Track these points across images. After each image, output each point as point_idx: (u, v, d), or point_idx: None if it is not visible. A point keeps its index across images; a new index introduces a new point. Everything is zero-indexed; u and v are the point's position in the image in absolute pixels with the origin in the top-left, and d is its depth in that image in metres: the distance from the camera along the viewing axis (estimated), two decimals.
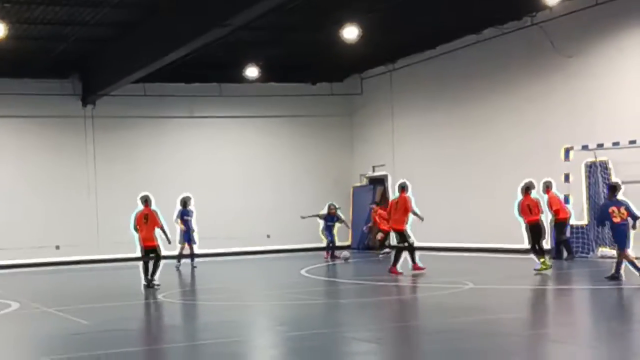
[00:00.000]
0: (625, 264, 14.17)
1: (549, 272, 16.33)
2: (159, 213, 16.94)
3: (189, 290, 15.97)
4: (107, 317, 12.27)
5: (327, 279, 17.39)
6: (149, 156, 27.75)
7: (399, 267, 17.09)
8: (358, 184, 29.72)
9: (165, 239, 16.66)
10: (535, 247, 16.75)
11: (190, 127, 28.15)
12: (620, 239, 14.33)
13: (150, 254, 16.34)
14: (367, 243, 28.44)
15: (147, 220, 16.54)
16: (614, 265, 14.36)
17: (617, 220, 14.16)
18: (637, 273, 13.88)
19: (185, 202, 21.64)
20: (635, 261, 14.09)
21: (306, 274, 18.41)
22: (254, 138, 28.85)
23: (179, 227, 21.41)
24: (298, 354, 8.70)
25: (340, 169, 29.58)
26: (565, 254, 18.81)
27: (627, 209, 14.31)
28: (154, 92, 27.11)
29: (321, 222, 23.94)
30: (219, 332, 10.29)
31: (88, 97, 26.25)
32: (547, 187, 19.09)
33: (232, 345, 9.27)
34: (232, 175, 28.29)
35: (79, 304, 13.99)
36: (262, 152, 28.82)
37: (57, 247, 26.50)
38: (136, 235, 16.70)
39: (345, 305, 12.93)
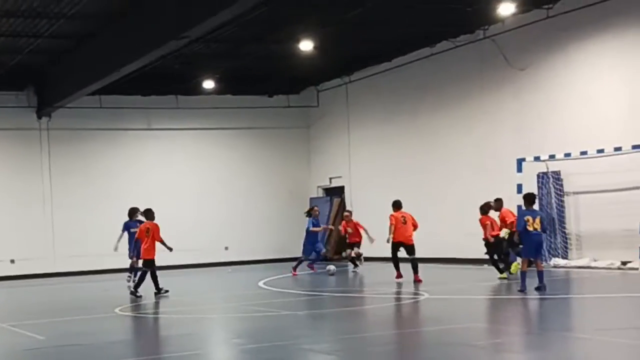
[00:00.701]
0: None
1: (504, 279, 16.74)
2: (159, 227, 17.27)
3: (146, 304, 15.92)
4: (63, 331, 12.22)
5: (284, 290, 17.46)
6: (105, 168, 27.63)
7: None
8: (315, 196, 29.87)
9: (167, 249, 17.32)
10: (496, 259, 17.27)
11: (147, 139, 28.10)
12: (533, 248, 14.54)
13: (145, 265, 16.91)
14: (325, 255, 28.56)
15: (149, 234, 16.95)
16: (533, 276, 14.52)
17: (530, 228, 14.35)
18: (519, 287, 14.36)
19: (131, 214, 20.40)
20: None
21: (264, 286, 18.48)
22: (211, 150, 28.89)
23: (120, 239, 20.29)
24: None
25: (297, 180, 29.73)
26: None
27: (541, 220, 14.62)
28: (110, 104, 27.04)
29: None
30: (177, 346, 10.32)
31: (43, 109, 26.10)
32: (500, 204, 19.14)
33: (190, 358, 9.32)
34: (189, 187, 28.28)
35: (35, 319, 13.90)
36: (220, 164, 28.86)
37: (12, 261, 26.24)
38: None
39: (303, 317, 13.03)
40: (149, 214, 17.34)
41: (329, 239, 28.81)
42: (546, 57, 20.73)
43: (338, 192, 28.87)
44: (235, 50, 23.04)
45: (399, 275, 17.71)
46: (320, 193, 29.90)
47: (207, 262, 26.85)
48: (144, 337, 11.35)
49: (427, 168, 24.35)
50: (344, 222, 22.95)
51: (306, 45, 22.04)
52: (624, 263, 18.29)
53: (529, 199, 14.92)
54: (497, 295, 15.69)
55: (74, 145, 27.32)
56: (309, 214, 22.48)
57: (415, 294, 15.19)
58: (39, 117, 26.62)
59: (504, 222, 17.71)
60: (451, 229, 21.95)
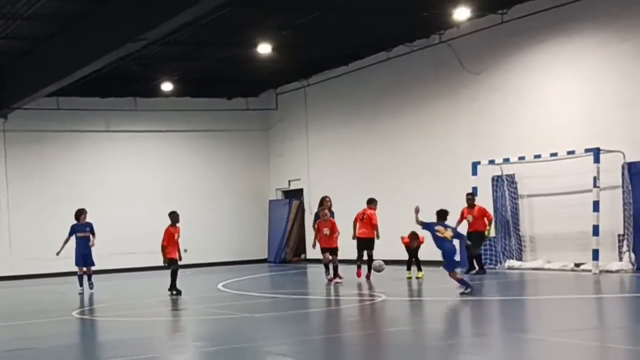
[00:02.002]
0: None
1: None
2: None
3: (104, 307, 15.89)
4: (18, 335, 12.16)
5: (243, 293, 17.53)
6: (64, 171, 27.47)
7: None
8: (274, 198, 29.96)
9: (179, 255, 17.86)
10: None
11: (106, 141, 27.98)
12: (447, 258, 14.94)
13: (172, 264, 17.45)
14: (284, 257, 28.71)
15: (177, 238, 17.69)
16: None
17: (441, 235, 14.72)
18: (463, 288, 14.64)
19: (78, 216, 19.26)
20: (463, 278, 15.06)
21: (223, 288, 18.53)
22: (170, 152, 28.85)
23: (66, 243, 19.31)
24: None
25: (256, 183, 29.80)
26: (476, 267, 19.28)
27: (453, 231, 15.10)
28: (68, 106, 26.90)
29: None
30: (135, 349, 10.34)
31: (0, 110, 25.84)
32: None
33: None
34: (148, 190, 28.21)
35: None
36: (179, 166, 28.83)
37: None
38: (158, 249, 17.60)
39: (262, 319, 13.11)
40: (174, 216, 17.73)
41: (288, 241, 28.93)
42: (501, 62, 21.06)
43: (297, 194, 29.00)
44: (193, 52, 23.07)
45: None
46: (280, 195, 30.00)
47: (165, 266, 26.70)
48: (100, 340, 11.35)
49: (385, 171, 24.58)
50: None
51: (264, 48, 22.16)
52: (577, 265, 18.64)
53: (442, 214, 15.25)
54: (452, 297, 15.92)
55: (31, 147, 27.10)
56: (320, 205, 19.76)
57: (373, 295, 15.35)
58: None
59: (486, 218, 18.84)
60: (408, 230, 22.17)
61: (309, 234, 28.16)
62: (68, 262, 26.33)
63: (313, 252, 27.74)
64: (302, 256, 28.83)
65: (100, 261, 26.66)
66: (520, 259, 20.17)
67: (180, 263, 17.79)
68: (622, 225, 18.12)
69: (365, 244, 18.77)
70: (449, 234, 14.77)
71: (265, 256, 29.21)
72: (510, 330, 11.08)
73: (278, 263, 28.25)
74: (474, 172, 20.72)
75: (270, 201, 29.90)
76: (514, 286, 16.80)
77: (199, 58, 23.62)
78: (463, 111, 22.14)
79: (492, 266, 20.43)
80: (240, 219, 29.29)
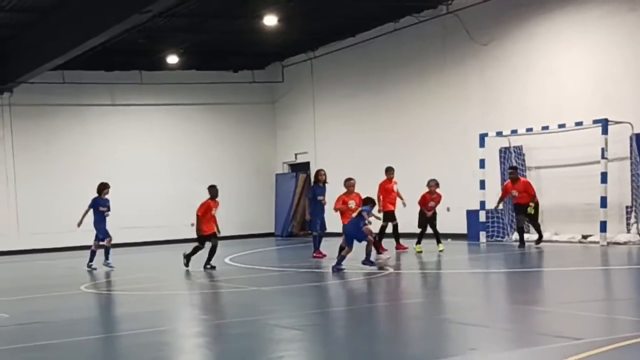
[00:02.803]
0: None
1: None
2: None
3: (113, 281, 15.95)
4: (28, 309, 12.22)
5: (251, 266, 17.57)
6: (70, 145, 27.48)
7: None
8: (281, 172, 29.94)
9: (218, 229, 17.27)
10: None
11: (111, 115, 27.97)
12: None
13: (207, 240, 16.93)
14: (291, 230, 28.74)
15: (215, 212, 17.06)
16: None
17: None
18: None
19: (100, 190, 18.89)
20: None
21: (230, 262, 18.57)
22: (176, 126, 28.83)
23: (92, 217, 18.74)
24: (222, 342, 8.89)
25: (262, 156, 29.79)
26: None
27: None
28: (73, 80, 26.84)
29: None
30: (144, 322, 10.38)
31: (5, 84, 25.78)
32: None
33: (157, 335, 9.39)
34: (155, 163, 28.23)
35: None
36: (185, 140, 28.82)
37: None
38: (194, 220, 17.10)
39: (269, 293, 13.14)
40: (213, 190, 17.15)
41: (295, 214, 28.94)
42: (509, 32, 20.91)
43: (303, 168, 28.98)
44: (199, 24, 22.95)
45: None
46: (286, 169, 29.98)
47: (174, 239, 26.81)
48: (111, 314, 11.40)
49: (392, 143, 24.51)
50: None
51: (270, 20, 22.03)
52: (584, 236, 18.62)
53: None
54: (461, 269, 15.94)
55: (37, 121, 27.10)
56: (316, 178, 19.02)
57: (381, 269, 15.36)
58: (1, 93, 26.33)
59: (529, 193, 18.36)
60: (415, 203, 22.13)
61: None
62: (74, 236, 26.49)
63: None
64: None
65: None
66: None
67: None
68: (630, 196, 18.08)
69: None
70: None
71: (272, 230, 29.25)
72: (519, 302, 11.09)
73: (285, 237, 28.29)
74: (482, 144, 20.65)
75: (277, 175, 29.89)
76: (521, 258, 16.78)
77: (205, 30, 23.51)
78: (470, 82, 22.03)
79: (499, 239, 20.42)
80: (247, 193, 29.30)
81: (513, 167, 19.15)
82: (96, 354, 8.58)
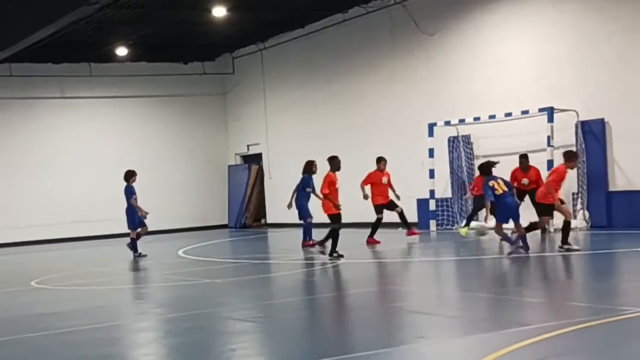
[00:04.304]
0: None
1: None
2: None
3: (64, 276, 15.85)
4: None
5: (204, 258, 17.59)
6: (20, 139, 27.16)
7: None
8: (233, 163, 29.94)
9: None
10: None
11: (61, 108, 27.70)
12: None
13: (337, 222, 15.30)
14: (244, 222, 28.77)
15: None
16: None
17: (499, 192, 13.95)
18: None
19: (128, 177, 18.54)
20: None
21: (183, 255, 18.57)
22: (127, 118, 28.64)
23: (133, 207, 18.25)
24: (174, 335, 8.94)
25: (214, 148, 29.75)
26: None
27: (505, 182, 14.25)
28: (21, 72, 26.50)
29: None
30: (95, 317, 10.37)
31: None
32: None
33: (109, 330, 9.41)
34: (106, 156, 28.02)
35: None
36: (136, 132, 28.65)
37: None
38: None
39: (222, 285, 13.20)
40: (335, 161, 15.64)
41: (248, 205, 28.98)
42: (456, 22, 21.15)
43: (256, 159, 29.01)
44: (148, 16, 22.80)
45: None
46: (239, 160, 29.98)
47: (124, 233, 26.53)
48: (62, 309, 11.34)
49: (343, 133, 24.66)
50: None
51: (219, 11, 22.01)
52: (532, 223, 18.89)
53: (485, 167, 14.39)
54: (411, 258, 16.14)
55: None
56: (309, 169, 17.96)
57: (329, 259, 15.47)
58: None
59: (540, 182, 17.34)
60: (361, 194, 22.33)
61: (269, 199, 28.28)
62: (24, 232, 26.24)
63: (274, 216, 27.89)
64: (263, 221, 28.94)
65: (58, 229, 26.67)
66: (477, 219, 20.39)
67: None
68: (576, 184, 18.44)
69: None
70: (502, 185, 13.80)
71: (226, 222, 29.25)
72: (465, 289, 11.30)
73: (238, 228, 28.32)
74: (430, 134, 20.89)
75: (229, 166, 29.88)
76: (469, 246, 17.04)
77: (154, 22, 23.36)
78: (419, 72, 22.25)
79: (448, 227, 20.69)
80: (200, 185, 29.26)
81: (524, 154, 17.98)
82: (46, 350, 8.56)
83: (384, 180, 18.12)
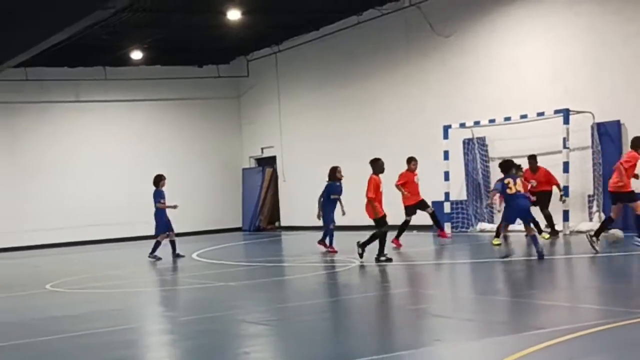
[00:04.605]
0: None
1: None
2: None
3: (79, 279, 15.89)
4: None
5: (218, 261, 17.59)
6: (35, 143, 27.27)
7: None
8: (247, 166, 29.95)
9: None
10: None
11: (76, 112, 27.79)
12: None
13: (383, 224, 14.95)
14: (259, 225, 28.77)
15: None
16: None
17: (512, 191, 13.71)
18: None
19: (157, 182, 18.51)
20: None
21: (197, 258, 18.57)
22: (142, 122, 28.71)
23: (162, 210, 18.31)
24: (188, 338, 8.92)
25: (229, 151, 29.78)
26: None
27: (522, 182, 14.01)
28: (36, 77, 26.61)
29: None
30: (109, 320, 10.38)
31: None
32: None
33: (124, 332, 9.41)
34: (121, 160, 28.10)
35: None
36: (151, 136, 28.71)
37: None
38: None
39: (236, 288, 13.18)
40: (378, 164, 15.20)
41: (262, 208, 28.97)
42: (471, 24, 21.08)
43: (270, 162, 29.00)
44: (163, 19, 22.88)
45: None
46: (253, 163, 29.99)
47: (138, 236, 26.65)
48: (76, 313, 11.36)
49: (357, 136, 24.62)
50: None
51: (234, 14, 22.04)
52: (547, 226, 18.79)
53: (505, 166, 14.13)
54: (427, 261, 16.07)
55: (0, 119, 26.84)
56: (332, 176, 17.57)
57: (344, 262, 15.44)
58: None
59: (553, 184, 17.35)
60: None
61: (283, 202, 28.28)
62: (40, 235, 26.35)
63: (288, 219, 27.88)
64: (277, 224, 28.92)
65: (72, 233, 26.76)
66: (492, 221, 20.33)
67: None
68: (591, 185, 18.34)
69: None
70: (519, 185, 13.50)
71: (240, 225, 29.25)
72: (481, 292, 11.24)
73: (252, 231, 28.31)
74: (445, 136, 20.82)
75: (243, 169, 29.89)
76: (485, 249, 16.95)
77: (168, 25, 23.43)
78: (433, 75, 22.18)
79: (464, 229, 20.60)
80: (214, 188, 29.28)
81: (532, 155, 17.79)
82: (61, 353, 8.57)
83: (416, 179, 17.90)
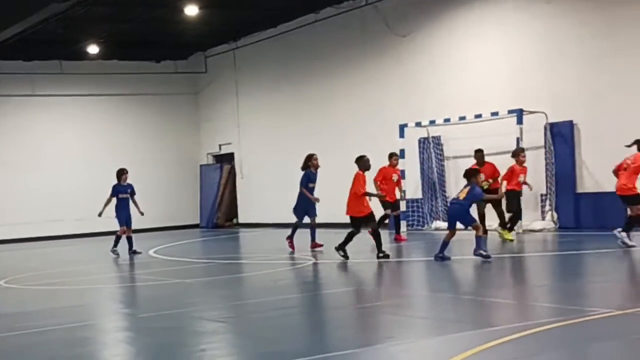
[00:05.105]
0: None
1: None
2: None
3: (35, 275, 15.77)
4: None
5: (175, 258, 17.58)
6: None
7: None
8: (205, 163, 29.89)
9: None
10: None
11: (31, 106, 27.49)
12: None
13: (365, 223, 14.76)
14: (216, 222, 28.74)
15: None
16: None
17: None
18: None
19: (119, 176, 18.60)
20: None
21: (154, 254, 18.53)
22: (98, 117, 28.50)
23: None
24: (144, 335, 8.95)
25: (187, 147, 29.69)
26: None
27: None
28: None
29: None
30: (66, 317, 10.34)
31: None
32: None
33: (80, 330, 9.39)
34: (77, 155, 27.89)
35: None
36: (108, 131, 28.52)
37: None
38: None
39: (193, 285, 13.20)
40: (363, 161, 14.92)
41: (220, 205, 28.94)
42: (427, 24, 21.29)
43: (228, 158, 28.99)
44: (120, 14, 22.76)
45: None
46: (211, 160, 29.94)
47: (96, 232, 26.44)
48: (32, 309, 11.29)
49: (315, 133, 24.72)
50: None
51: (191, 10, 22.00)
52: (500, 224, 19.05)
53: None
54: (382, 259, 16.21)
55: None
56: (306, 164, 17.05)
57: (301, 259, 15.54)
58: None
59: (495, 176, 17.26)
60: (337, 193, 22.41)
61: (241, 199, 28.29)
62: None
63: (245, 216, 27.87)
64: (234, 221, 28.92)
65: (29, 228, 26.48)
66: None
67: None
68: (544, 185, 18.65)
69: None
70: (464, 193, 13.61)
71: (198, 221, 29.20)
72: (433, 290, 11.40)
73: (210, 228, 28.28)
74: (402, 135, 21.01)
75: (201, 166, 29.83)
76: (436, 248, 17.10)
77: (125, 20, 23.30)
78: (390, 73, 22.36)
79: (419, 227, 20.82)
80: (172, 184, 29.18)
81: (479, 149, 17.73)
82: (15, 350, 8.54)
83: (394, 177, 17.85)
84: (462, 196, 13.67)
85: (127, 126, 28.86)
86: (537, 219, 18.64)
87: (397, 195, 18.29)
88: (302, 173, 17.02)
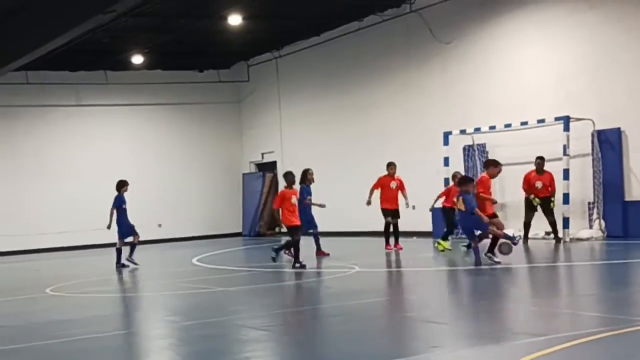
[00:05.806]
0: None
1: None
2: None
3: (78, 283, 15.88)
4: None
5: (218, 266, 17.60)
6: (34, 147, 27.29)
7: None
8: (247, 171, 29.97)
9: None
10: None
11: (76, 115, 27.83)
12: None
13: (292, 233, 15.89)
14: (258, 230, 28.78)
15: (295, 201, 15.96)
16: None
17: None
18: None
19: (120, 187, 18.85)
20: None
21: (197, 263, 18.57)
22: (142, 126, 28.75)
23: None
24: (188, 343, 8.93)
25: (229, 156, 29.80)
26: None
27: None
28: (37, 80, 26.64)
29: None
30: (111, 325, 10.39)
31: None
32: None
33: (123, 337, 9.41)
34: (120, 164, 28.06)
35: None
36: (151, 140, 28.73)
37: None
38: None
39: (236, 293, 13.18)
40: (289, 177, 15.93)
41: (262, 214, 28.97)
42: (471, 31, 21.13)
43: (270, 167, 29.02)
44: (164, 24, 22.92)
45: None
46: (253, 169, 30.01)
47: (144, 240, 26.50)
48: (77, 317, 11.35)
49: (357, 141, 24.66)
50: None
51: (235, 20, 22.09)
52: (548, 233, 18.84)
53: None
54: (427, 267, 16.08)
55: (0, 122, 26.87)
56: (303, 179, 17.87)
57: (345, 267, 15.44)
58: None
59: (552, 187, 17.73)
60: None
61: None
62: (39, 239, 26.34)
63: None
64: (277, 229, 28.90)
65: (73, 237, 26.76)
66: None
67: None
68: (592, 193, 18.35)
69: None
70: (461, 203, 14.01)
71: (240, 230, 29.26)
72: (481, 299, 11.23)
73: (252, 236, 28.31)
74: (446, 142, 20.84)
75: (243, 174, 29.90)
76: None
77: (169, 30, 23.46)
78: (434, 81, 22.22)
79: (463, 236, 20.56)
80: (214, 193, 29.29)
81: (541, 156, 18.19)
82: (60, 357, 8.57)
83: (393, 185, 18.11)
84: (462, 208, 14.00)
85: (171, 135, 29.06)
86: (585, 228, 18.33)
87: (401, 202, 18.25)
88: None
